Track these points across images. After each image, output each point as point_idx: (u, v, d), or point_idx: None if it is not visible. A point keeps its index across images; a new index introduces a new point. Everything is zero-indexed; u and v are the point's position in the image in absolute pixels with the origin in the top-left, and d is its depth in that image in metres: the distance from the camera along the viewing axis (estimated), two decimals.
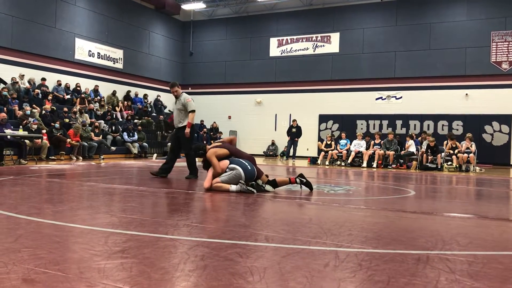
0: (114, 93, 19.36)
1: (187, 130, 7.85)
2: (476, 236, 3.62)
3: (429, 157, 14.22)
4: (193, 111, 7.98)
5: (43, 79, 16.41)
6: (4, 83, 14.42)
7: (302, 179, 6.49)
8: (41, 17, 16.79)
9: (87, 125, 15.12)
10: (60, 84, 17.15)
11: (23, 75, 15.84)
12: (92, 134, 14.91)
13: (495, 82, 17.91)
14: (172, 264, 2.54)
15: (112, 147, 15.51)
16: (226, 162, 6.17)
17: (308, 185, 6.48)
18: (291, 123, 18.41)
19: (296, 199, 5.67)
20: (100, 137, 15.18)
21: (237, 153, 6.46)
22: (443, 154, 14.35)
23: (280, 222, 4.11)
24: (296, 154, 17.93)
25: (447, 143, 14.61)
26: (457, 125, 18.11)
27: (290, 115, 20.83)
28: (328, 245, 3.09)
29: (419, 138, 15.64)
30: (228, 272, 2.40)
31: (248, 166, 6.12)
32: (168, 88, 24.16)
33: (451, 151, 14.19)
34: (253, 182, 6.16)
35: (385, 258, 2.79)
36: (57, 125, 13.71)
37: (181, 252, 2.82)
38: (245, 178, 6.04)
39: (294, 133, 17.89)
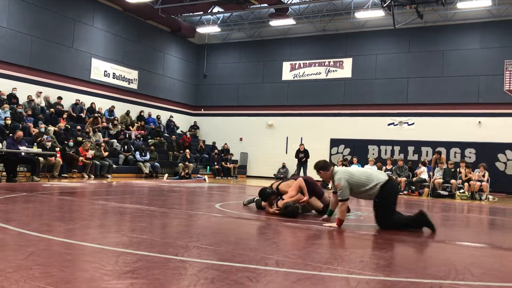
0: (128, 112, 19.58)
1: None
2: (490, 267, 3.56)
3: (440, 181, 14.06)
4: None
5: (59, 98, 16.65)
6: None
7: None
8: (59, 37, 17.14)
9: (100, 144, 15.24)
10: (77, 104, 17.38)
11: (41, 92, 16.09)
12: (103, 150, 14.97)
13: (509, 111, 17.76)
14: (181, 286, 2.53)
15: (114, 165, 15.27)
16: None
17: None
18: (299, 147, 18.32)
19: (307, 224, 5.63)
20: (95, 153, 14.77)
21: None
22: (457, 181, 14.20)
23: (291, 246, 4.08)
24: None
25: (460, 171, 14.46)
26: (470, 152, 17.93)
27: (302, 138, 20.83)
28: (339, 271, 3.06)
29: (434, 156, 15.43)
30: None
31: None
32: (181, 109, 24.08)
33: (465, 178, 14.05)
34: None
35: (397, 286, 2.75)
36: (70, 143, 13.86)
37: (191, 274, 2.81)
38: None
39: (302, 157, 17.89)
